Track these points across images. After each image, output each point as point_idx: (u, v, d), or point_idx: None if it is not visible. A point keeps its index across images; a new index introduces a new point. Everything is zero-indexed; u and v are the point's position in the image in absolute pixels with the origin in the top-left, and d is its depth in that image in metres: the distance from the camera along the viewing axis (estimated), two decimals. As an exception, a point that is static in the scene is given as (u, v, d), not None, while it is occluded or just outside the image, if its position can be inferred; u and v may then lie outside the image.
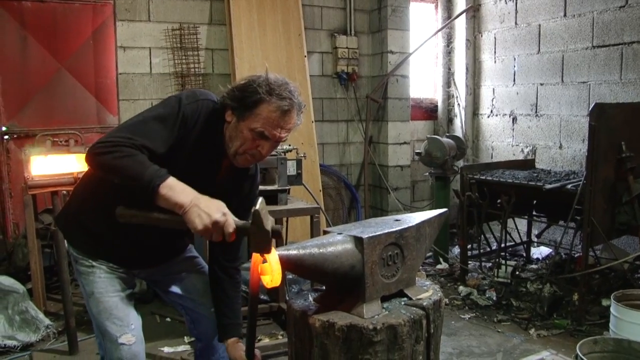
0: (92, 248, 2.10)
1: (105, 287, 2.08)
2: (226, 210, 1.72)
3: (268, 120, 1.88)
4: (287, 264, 1.75)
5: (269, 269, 1.63)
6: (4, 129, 4.94)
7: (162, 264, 2.26)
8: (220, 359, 2.36)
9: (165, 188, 1.71)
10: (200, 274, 2.34)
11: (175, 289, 2.31)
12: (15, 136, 5.01)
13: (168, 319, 4.21)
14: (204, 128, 1.94)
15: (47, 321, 3.85)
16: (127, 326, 2.07)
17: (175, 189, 1.71)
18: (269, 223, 1.73)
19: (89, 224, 2.05)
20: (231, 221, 1.72)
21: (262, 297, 4.24)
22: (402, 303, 1.88)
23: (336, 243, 1.77)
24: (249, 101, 1.88)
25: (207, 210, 1.69)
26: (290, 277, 4.25)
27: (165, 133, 1.86)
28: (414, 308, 1.84)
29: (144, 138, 1.80)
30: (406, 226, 1.93)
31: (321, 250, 1.73)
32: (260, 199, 1.74)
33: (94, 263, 2.09)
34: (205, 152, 1.98)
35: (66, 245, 2.21)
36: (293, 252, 1.71)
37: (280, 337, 3.85)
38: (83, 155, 4.02)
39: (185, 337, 3.84)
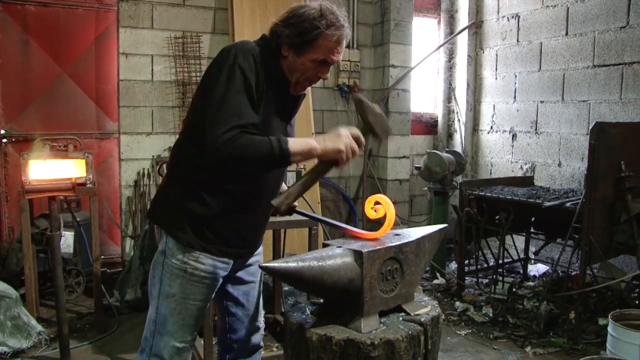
0: (203, 235, 2.00)
1: (189, 294, 2.01)
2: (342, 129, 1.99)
3: (328, 49, 2.03)
4: (286, 276, 1.74)
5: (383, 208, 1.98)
6: (2, 132, 4.94)
7: (259, 242, 2.30)
8: None
9: (292, 148, 1.88)
10: (260, 286, 2.38)
11: (240, 294, 2.31)
12: (13, 140, 5.02)
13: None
14: (265, 72, 1.98)
15: (39, 327, 3.81)
16: (189, 342, 2.09)
17: (299, 143, 1.92)
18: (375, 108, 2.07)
19: (200, 208, 1.97)
20: (354, 130, 2.01)
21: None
22: (400, 318, 1.87)
23: (335, 256, 1.76)
24: (309, 36, 1.98)
25: (335, 137, 1.97)
26: (287, 289, 4.23)
27: (252, 102, 1.92)
28: (412, 324, 1.82)
29: (244, 118, 1.87)
30: (406, 241, 1.92)
31: (320, 264, 1.72)
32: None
33: (197, 257, 2.00)
34: (276, 92, 2.05)
35: (164, 238, 2.05)
36: (292, 264, 1.70)
37: (275, 349, 3.82)
38: (82, 161, 4.07)
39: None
